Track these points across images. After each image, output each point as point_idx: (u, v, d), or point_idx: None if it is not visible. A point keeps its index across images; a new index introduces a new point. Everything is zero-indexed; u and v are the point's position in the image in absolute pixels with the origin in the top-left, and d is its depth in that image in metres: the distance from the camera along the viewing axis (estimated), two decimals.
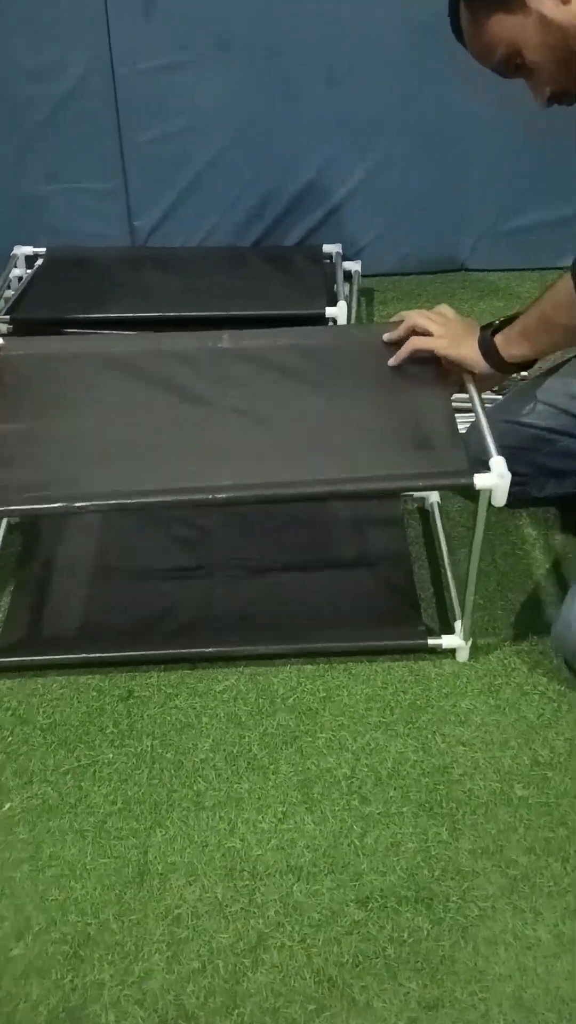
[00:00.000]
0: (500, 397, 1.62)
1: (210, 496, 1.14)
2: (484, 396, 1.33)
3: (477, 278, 2.34)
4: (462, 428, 1.30)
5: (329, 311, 1.89)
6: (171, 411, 1.29)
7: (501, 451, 1.19)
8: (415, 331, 1.36)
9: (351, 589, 1.45)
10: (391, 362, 1.36)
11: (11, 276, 2.12)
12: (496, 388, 1.63)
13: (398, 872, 1.11)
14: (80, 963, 1.03)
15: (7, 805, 1.19)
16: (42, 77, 2.04)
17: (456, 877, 1.10)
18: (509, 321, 1.32)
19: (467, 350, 1.32)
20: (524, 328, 1.29)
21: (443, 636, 1.35)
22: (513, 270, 2.32)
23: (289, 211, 2.23)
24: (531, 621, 1.42)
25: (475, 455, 1.22)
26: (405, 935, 1.05)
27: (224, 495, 1.14)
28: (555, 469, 1.52)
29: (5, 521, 1.57)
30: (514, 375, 1.48)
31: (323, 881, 1.10)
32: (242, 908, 1.08)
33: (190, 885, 1.10)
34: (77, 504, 1.13)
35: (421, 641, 1.35)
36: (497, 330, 1.32)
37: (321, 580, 1.46)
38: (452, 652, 1.36)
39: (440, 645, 1.34)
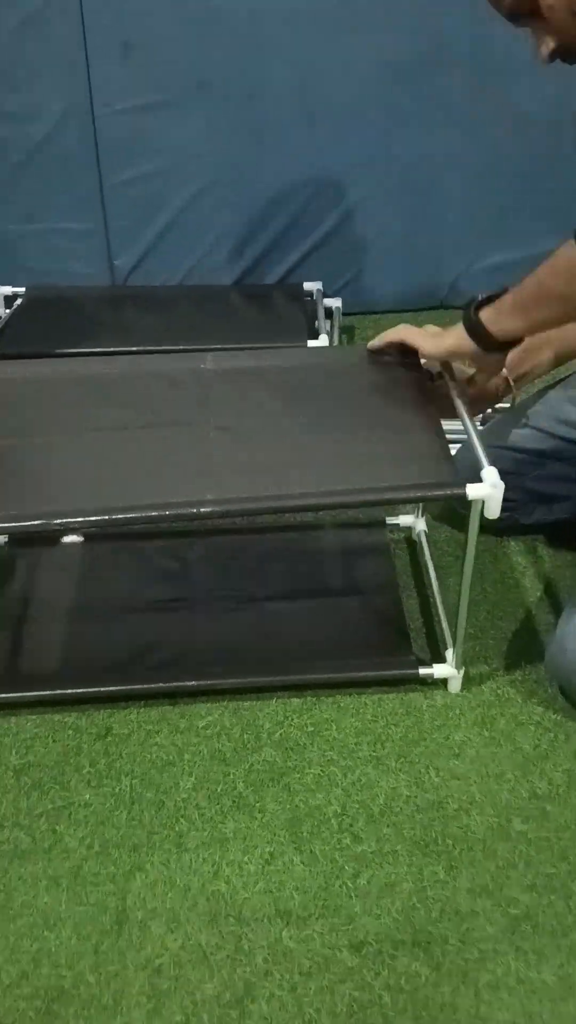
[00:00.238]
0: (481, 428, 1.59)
1: (195, 510, 1.09)
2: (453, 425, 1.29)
3: (457, 315, 2.31)
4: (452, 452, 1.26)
5: (311, 344, 1.88)
6: (155, 430, 1.25)
7: None
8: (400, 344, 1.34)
9: (338, 619, 1.40)
10: (370, 345, 1.35)
11: None
12: (481, 417, 1.62)
13: (393, 914, 1.04)
14: (54, 1019, 0.95)
15: None
16: (20, 118, 2.05)
17: (454, 918, 1.04)
18: (494, 297, 1.24)
19: (451, 339, 1.27)
20: (518, 300, 1.21)
21: (434, 665, 1.30)
22: None
23: (269, 249, 2.23)
24: (524, 650, 1.38)
25: (466, 472, 1.18)
26: (402, 982, 0.98)
27: (209, 509, 1.09)
28: (543, 494, 1.49)
29: None
30: (499, 404, 1.46)
31: (314, 925, 1.03)
32: (228, 956, 1.01)
33: (172, 932, 1.03)
34: (57, 521, 1.09)
35: (412, 671, 1.30)
36: (481, 305, 1.24)
37: (307, 611, 1.41)
38: (444, 683, 1.31)
39: (432, 675, 1.29)
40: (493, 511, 1.12)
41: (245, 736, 1.25)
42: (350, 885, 1.07)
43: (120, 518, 1.10)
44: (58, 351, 1.91)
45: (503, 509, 1.49)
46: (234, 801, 1.17)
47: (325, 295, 2.17)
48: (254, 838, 1.12)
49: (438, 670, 1.29)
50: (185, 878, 1.08)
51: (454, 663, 1.29)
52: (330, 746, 1.24)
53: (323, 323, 2.03)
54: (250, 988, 0.98)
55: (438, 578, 1.46)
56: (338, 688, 1.31)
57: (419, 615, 1.43)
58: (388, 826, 1.14)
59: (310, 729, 1.26)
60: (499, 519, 1.49)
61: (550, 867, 1.09)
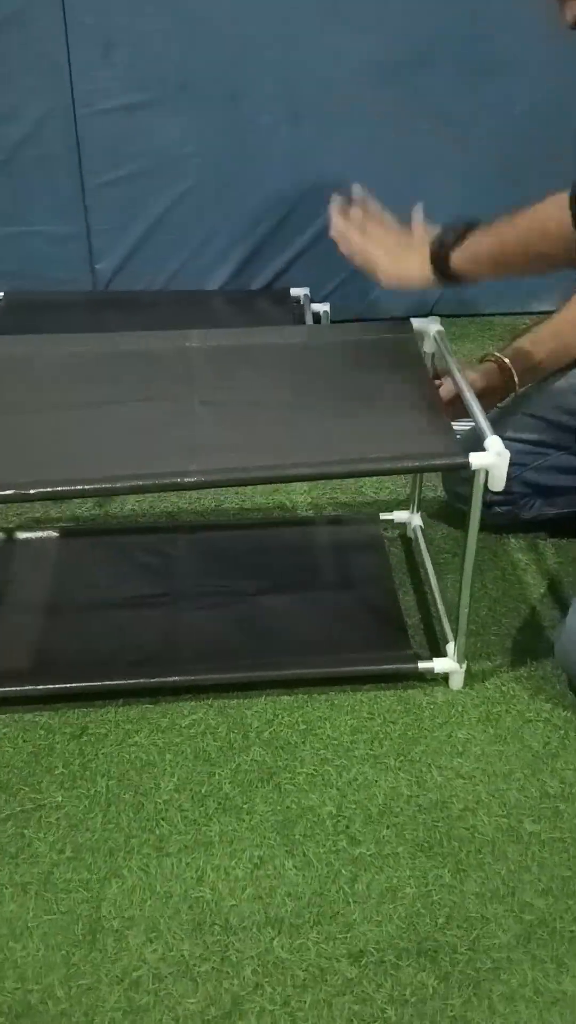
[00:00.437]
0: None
1: (179, 480, 1.01)
2: (460, 423, 1.21)
3: (447, 323, 2.28)
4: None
5: None
6: (139, 404, 1.17)
7: None
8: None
9: (331, 614, 1.32)
10: (333, 232, 1.35)
11: None
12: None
13: (395, 921, 0.95)
14: None
15: None
16: (1, 119, 2.00)
17: (463, 925, 0.95)
18: (465, 232, 1.22)
19: (412, 270, 1.27)
20: (496, 253, 1.19)
21: (435, 660, 1.21)
22: (482, 315, 2.28)
23: (255, 254, 2.17)
24: (528, 646, 1.30)
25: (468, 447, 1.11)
26: (407, 994, 0.88)
27: (194, 479, 1.01)
28: (544, 486, 1.42)
29: None
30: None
31: (308, 934, 0.94)
32: (213, 968, 0.91)
33: (151, 943, 0.93)
34: (33, 491, 1.00)
35: (411, 665, 1.21)
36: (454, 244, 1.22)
37: (297, 606, 1.33)
38: (444, 679, 1.23)
39: (432, 669, 1.21)
40: (498, 482, 1.04)
41: (232, 735, 1.16)
42: (347, 890, 0.98)
43: (104, 487, 1.04)
44: None
45: (502, 503, 1.44)
46: (220, 803, 1.07)
47: (312, 301, 2.12)
48: (242, 841, 1.03)
49: (439, 664, 1.21)
50: (166, 884, 0.98)
51: (456, 657, 1.21)
52: (324, 745, 1.15)
53: None
54: (238, 1003, 0.87)
55: (435, 574, 1.38)
56: (331, 685, 1.22)
57: (416, 611, 1.35)
58: (388, 827, 1.04)
59: (302, 727, 1.17)
60: (498, 514, 1.44)
61: (566, 870, 1.00)
